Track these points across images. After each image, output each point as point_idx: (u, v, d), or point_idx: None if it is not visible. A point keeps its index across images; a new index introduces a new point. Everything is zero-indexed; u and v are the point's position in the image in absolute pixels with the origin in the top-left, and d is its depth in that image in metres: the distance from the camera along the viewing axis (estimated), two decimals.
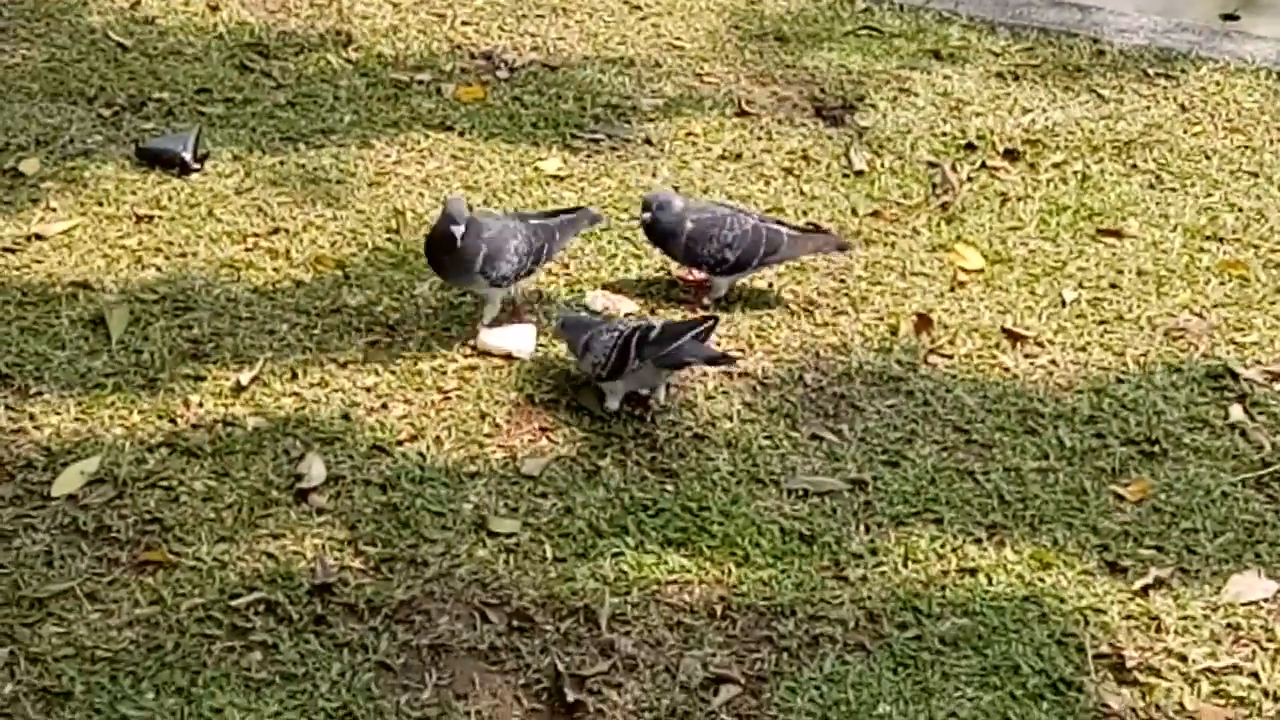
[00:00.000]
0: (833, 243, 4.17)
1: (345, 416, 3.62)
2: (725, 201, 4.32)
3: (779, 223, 4.11)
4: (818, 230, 4.27)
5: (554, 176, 4.57)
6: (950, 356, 3.93)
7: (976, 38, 5.49)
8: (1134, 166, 4.78)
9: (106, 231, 4.25)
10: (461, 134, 4.77)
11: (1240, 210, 4.58)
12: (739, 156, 4.73)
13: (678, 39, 5.39)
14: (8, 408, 3.60)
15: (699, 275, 4.05)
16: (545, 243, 3.87)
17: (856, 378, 3.83)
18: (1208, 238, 4.45)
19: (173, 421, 3.59)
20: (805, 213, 4.48)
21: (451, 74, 5.12)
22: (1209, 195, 4.65)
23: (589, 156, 4.66)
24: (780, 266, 4.15)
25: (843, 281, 4.18)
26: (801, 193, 4.58)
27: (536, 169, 4.60)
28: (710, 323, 3.67)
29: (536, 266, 3.90)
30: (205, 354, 3.80)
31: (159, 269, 4.11)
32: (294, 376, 3.74)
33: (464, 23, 5.43)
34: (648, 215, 3.97)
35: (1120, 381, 3.88)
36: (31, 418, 3.59)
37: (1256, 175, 4.75)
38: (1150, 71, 5.30)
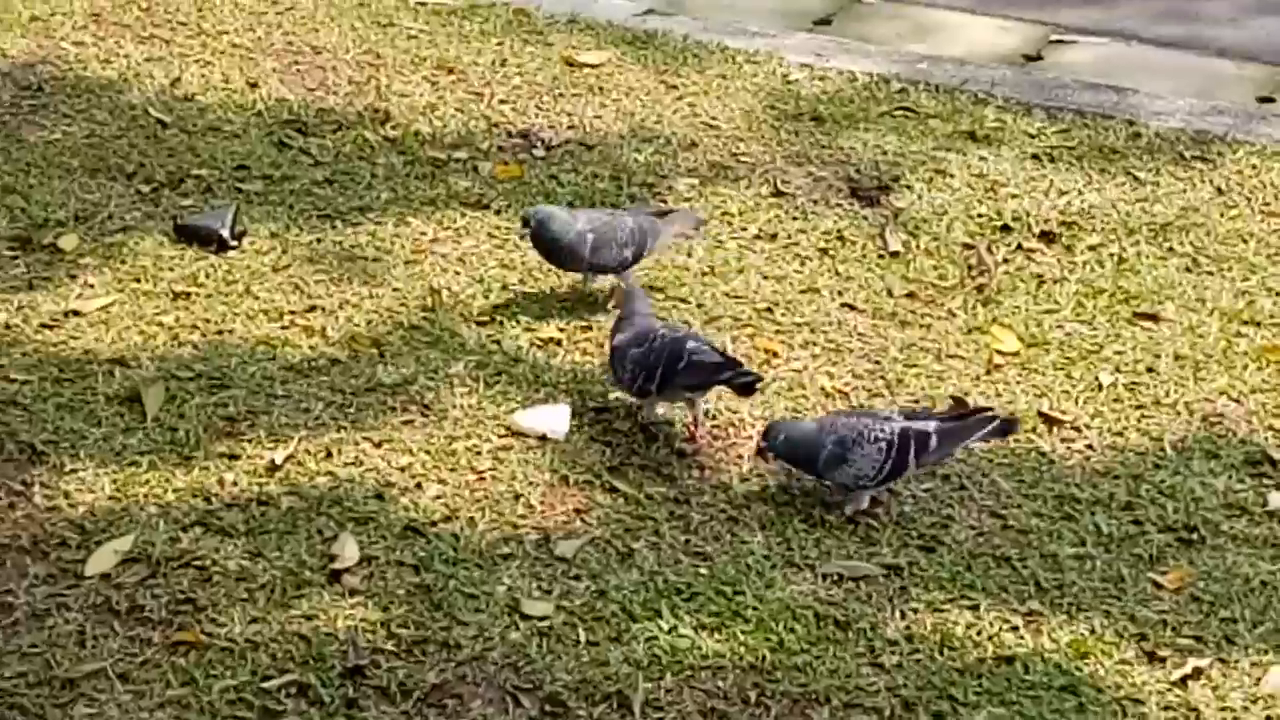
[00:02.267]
0: (691, 220, 4.47)
1: (379, 496, 3.62)
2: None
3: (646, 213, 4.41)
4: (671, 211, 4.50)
5: None
6: (987, 442, 3.91)
7: (1012, 119, 5.50)
8: (1170, 250, 4.77)
9: (144, 308, 4.27)
10: (498, 212, 4.79)
11: (1277, 294, 4.57)
12: (774, 237, 4.74)
13: (714, 118, 5.41)
14: (43, 485, 3.61)
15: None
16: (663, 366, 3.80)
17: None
18: (1245, 322, 4.44)
19: (207, 500, 3.60)
20: (840, 293, 4.48)
21: (488, 152, 5.14)
22: (1246, 279, 4.64)
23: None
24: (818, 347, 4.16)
25: (878, 364, 4.18)
26: (837, 273, 4.59)
27: None
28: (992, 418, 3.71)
29: (650, 386, 3.82)
30: (240, 432, 3.81)
31: (195, 346, 4.12)
32: (328, 455, 3.75)
33: (501, 101, 5.47)
34: (526, 231, 4.22)
35: (1157, 467, 3.85)
36: (66, 495, 3.60)
37: None
38: (1186, 154, 5.30)
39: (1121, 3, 6.95)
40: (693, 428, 3.86)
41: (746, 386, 3.81)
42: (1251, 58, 6.42)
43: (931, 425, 3.65)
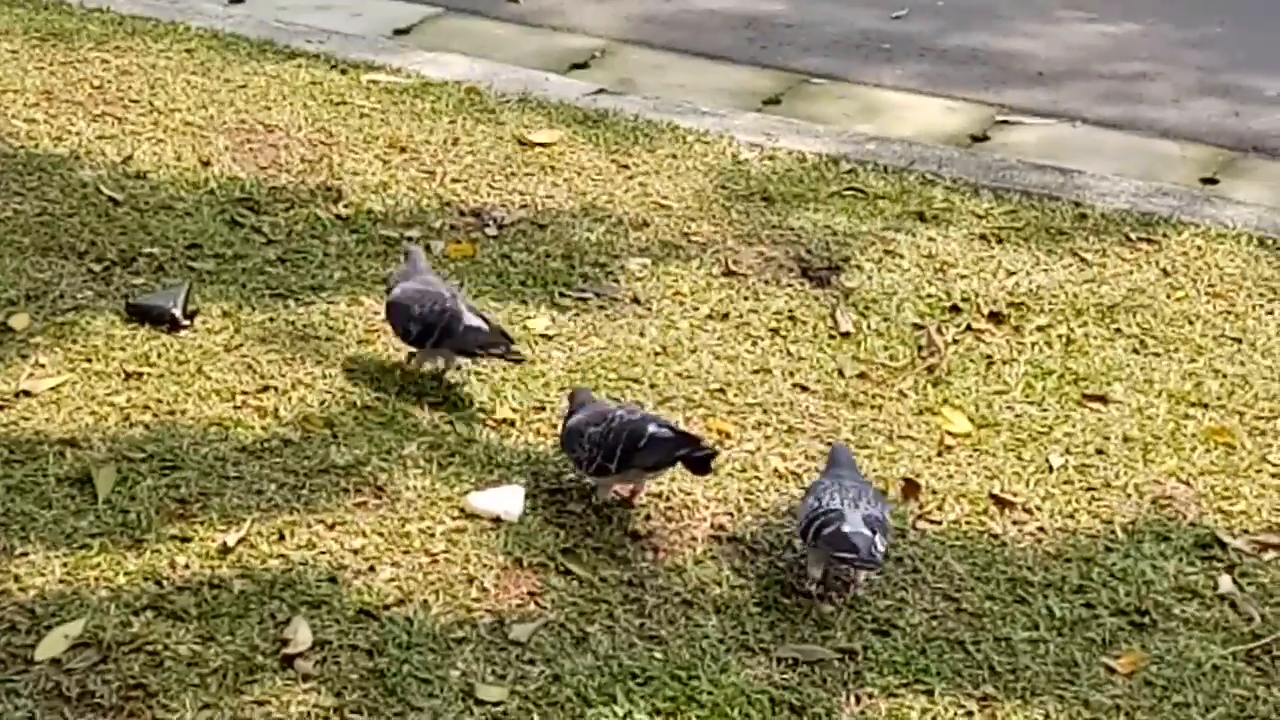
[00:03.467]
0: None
1: (332, 579, 3.60)
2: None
3: (474, 311, 4.29)
4: (503, 335, 4.30)
5: (543, 335, 4.60)
6: (939, 522, 3.94)
7: (960, 200, 5.56)
8: (1118, 331, 4.82)
9: (95, 388, 4.25)
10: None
11: (1225, 376, 4.61)
12: (726, 316, 4.77)
13: (665, 198, 5.45)
14: None
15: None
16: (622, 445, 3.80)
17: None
18: (1193, 404, 4.48)
19: (159, 583, 3.57)
20: (792, 373, 4.50)
21: (441, 230, 5.16)
22: (1193, 361, 4.69)
23: (576, 315, 4.69)
24: (770, 427, 4.17)
25: (830, 445, 4.18)
26: (789, 353, 4.61)
27: (525, 327, 4.62)
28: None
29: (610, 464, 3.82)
30: (192, 514, 3.79)
31: (147, 427, 4.10)
32: (281, 538, 3.73)
33: (453, 180, 5.49)
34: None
35: (1109, 550, 3.88)
36: (16, 579, 3.56)
37: (1240, 341, 4.79)
38: (1132, 235, 5.37)
39: (1065, 84, 7.05)
40: (631, 495, 3.88)
41: (704, 463, 3.82)
42: (1194, 139, 6.52)
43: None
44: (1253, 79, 7.09)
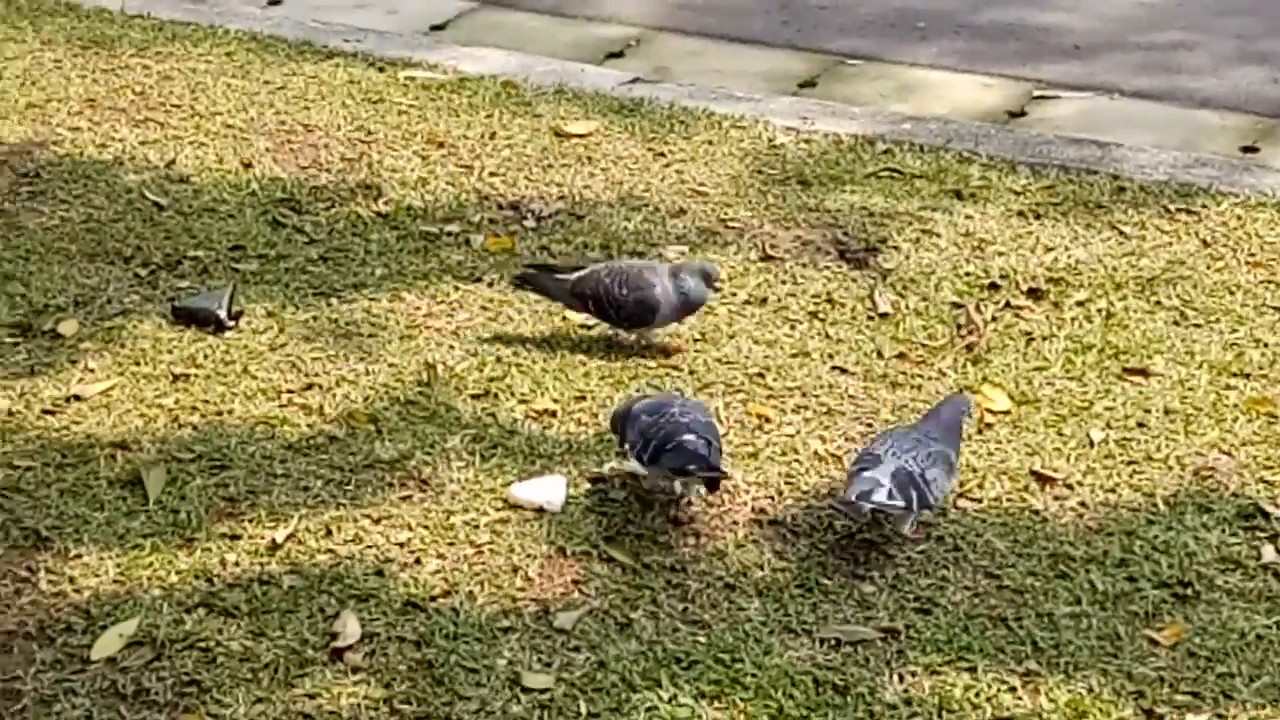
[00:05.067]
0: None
1: (379, 573, 3.66)
2: None
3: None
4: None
5: (582, 326, 4.63)
6: (979, 500, 3.95)
7: (997, 177, 5.56)
8: (1158, 303, 4.82)
9: (144, 391, 4.32)
10: (490, 285, 4.84)
11: (1266, 346, 4.61)
12: (764, 301, 4.79)
13: (701, 185, 5.47)
14: (48, 570, 3.65)
15: None
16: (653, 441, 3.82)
17: (886, 524, 3.84)
18: (1234, 375, 4.48)
19: (209, 581, 3.63)
20: (831, 356, 4.53)
21: (480, 225, 5.21)
22: (1234, 331, 4.68)
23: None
24: (810, 410, 4.21)
25: (870, 426, 4.21)
26: (827, 336, 4.64)
27: (565, 319, 4.66)
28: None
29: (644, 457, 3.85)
30: (241, 512, 3.85)
31: (195, 428, 4.16)
32: (328, 533, 3.78)
33: (491, 174, 5.53)
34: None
35: (1151, 523, 3.89)
36: (71, 580, 3.63)
37: None
38: (1171, 207, 5.36)
39: (1102, 57, 7.03)
40: (676, 506, 3.88)
41: (711, 483, 3.83)
42: (1234, 108, 6.50)
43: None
44: None
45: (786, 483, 3.99)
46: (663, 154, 5.69)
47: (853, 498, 3.64)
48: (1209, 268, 5.01)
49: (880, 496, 3.65)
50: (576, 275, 4.53)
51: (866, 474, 3.68)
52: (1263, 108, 6.48)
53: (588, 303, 4.48)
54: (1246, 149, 6.06)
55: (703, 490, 3.86)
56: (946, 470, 3.79)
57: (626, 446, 3.89)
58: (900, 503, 3.66)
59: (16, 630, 3.49)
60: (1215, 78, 6.79)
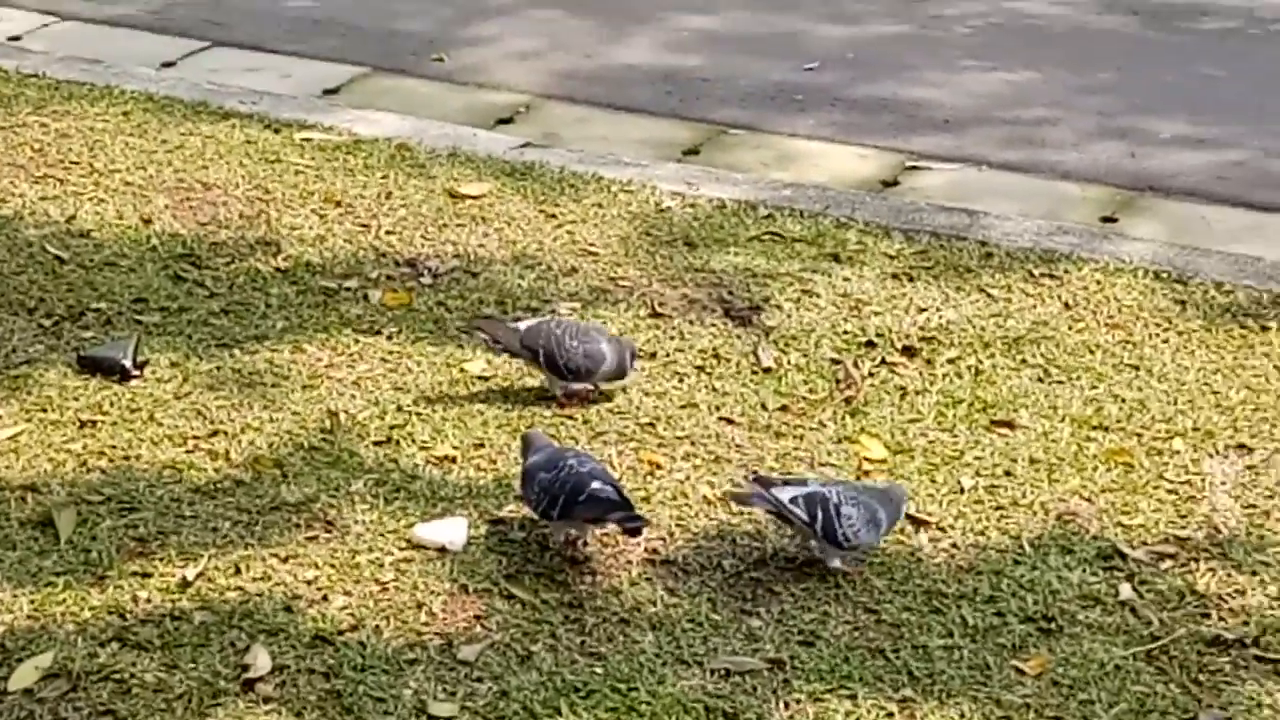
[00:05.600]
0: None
1: (288, 609, 3.80)
2: None
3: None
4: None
5: (479, 377, 4.82)
6: None
7: (873, 241, 5.82)
8: (1023, 361, 5.09)
9: (51, 437, 4.44)
10: (389, 338, 5.01)
11: (1123, 401, 4.88)
12: (654, 355, 5.00)
13: (592, 245, 5.69)
14: None
15: None
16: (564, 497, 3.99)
17: (771, 563, 4.06)
18: (1094, 427, 4.74)
19: (122, 616, 3.76)
20: (718, 407, 4.74)
21: (378, 281, 5.38)
22: (1094, 387, 4.95)
23: (510, 358, 4.90)
24: (698, 458, 4.42)
25: (754, 472, 4.42)
26: (714, 389, 4.85)
27: (462, 370, 4.85)
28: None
29: (552, 512, 4.01)
30: (152, 551, 3.98)
31: (104, 471, 4.29)
32: (237, 571, 3.92)
33: (388, 232, 5.71)
34: None
35: (1017, 563, 4.13)
36: None
37: (1137, 368, 5.06)
38: (1035, 272, 5.64)
39: (970, 130, 7.34)
40: (574, 547, 4.08)
41: (634, 529, 4.03)
42: (1094, 180, 6.81)
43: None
44: (1148, 122, 7.41)
45: (677, 525, 4.19)
46: (554, 215, 5.91)
47: (760, 491, 3.93)
48: (1070, 328, 5.29)
49: (784, 496, 3.92)
50: (525, 326, 4.73)
51: (787, 486, 3.98)
52: (1121, 180, 6.79)
53: (537, 353, 4.67)
54: (1106, 219, 6.36)
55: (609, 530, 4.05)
56: (868, 520, 4.00)
57: (529, 503, 4.06)
58: (802, 513, 3.92)
59: None
60: (1077, 152, 7.11)
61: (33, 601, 3.79)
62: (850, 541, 3.99)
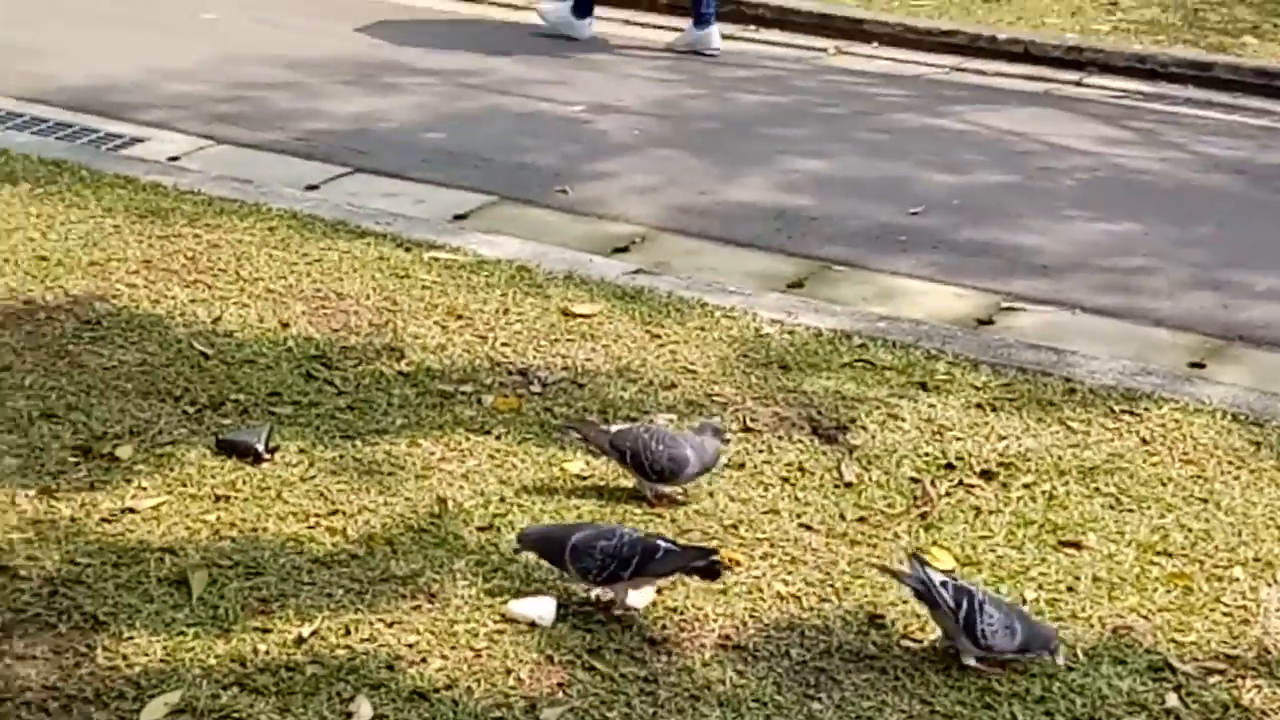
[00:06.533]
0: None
1: (390, 667, 4.18)
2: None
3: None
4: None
5: (577, 475, 5.21)
6: (921, 641, 4.48)
7: (960, 373, 6.16)
8: (1096, 489, 5.37)
9: (190, 508, 4.88)
10: (498, 437, 5.42)
11: (1190, 530, 5.14)
12: (742, 466, 5.36)
13: (691, 363, 6.08)
14: (104, 648, 4.18)
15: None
16: (637, 557, 4.41)
17: (836, 655, 4.38)
18: (1158, 553, 5.00)
19: (243, 665, 4.15)
20: (799, 515, 5.08)
21: (491, 386, 5.80)
22: (1162, 517, 5.21)
23: (608, 461, 5.28)
24: (775, 558, 4.75)
25: (828, 574, 4.75)
26: (796, 499, 5.19)
27: (563, 468, 5.23)
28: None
29: (622, 574, 4.42)
30: (272, 611, 4.38)
31: (234, 540, 4.71)
32: (347, 632, 4.31)
33: (503, 344, 6.15)
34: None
35: (1070, 669, 4.40)
36: (124, 657, 4.15)
37: (1206, 501, 5.31)
38: (1116, 408, 5.94)
39: (1068, 276, 7.66)
40: (608, 600, 4.48)
41: (715, 571, 4.45)
42: (1185, 328, 7.09)
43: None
44: (1242, 275, 7.70)
45: (750, 616, 4.53)
46: (659, 336, 6.31)
47: (917, 568, 4.35)
48: (1145, 461, 5.57)
49: (935, 578, 4.32)
50: (616, 429, 5.14)
51: (936, 574, 4.38)
52: (1212, 329, 7.07)
53: (625, 454, 5.06)
54: (1193, 364, 6.64)
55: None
56: (1005, 626, 4.31)
57: (575, 571, 4.44)
58: (949, 598, 4.28)
59: (76, 695, 4.02)
60: (1171, 300, 7.41)
61: (165, 648, 4.20)
62: (985, 640, 4.30)
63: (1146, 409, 5.94)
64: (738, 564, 4.78)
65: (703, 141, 9.50)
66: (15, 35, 11.03)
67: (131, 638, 4.24)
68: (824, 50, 12.08)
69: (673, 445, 5.03)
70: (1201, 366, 6.64)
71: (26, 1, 11.90)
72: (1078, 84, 11.43)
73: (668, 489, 5.10)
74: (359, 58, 11.00)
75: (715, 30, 11.64)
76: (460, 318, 6.36)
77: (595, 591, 4.49)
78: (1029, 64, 11.81)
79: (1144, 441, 5.71)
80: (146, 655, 4.17)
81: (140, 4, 12.05)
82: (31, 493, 4.90)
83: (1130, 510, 5.26)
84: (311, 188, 8.21)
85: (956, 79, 11.49)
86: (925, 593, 4.38)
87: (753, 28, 12.52)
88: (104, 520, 4.78)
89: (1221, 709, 4.29)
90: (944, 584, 4.35)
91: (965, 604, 4.31)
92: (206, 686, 4.06)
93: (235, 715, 3.97)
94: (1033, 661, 4.40)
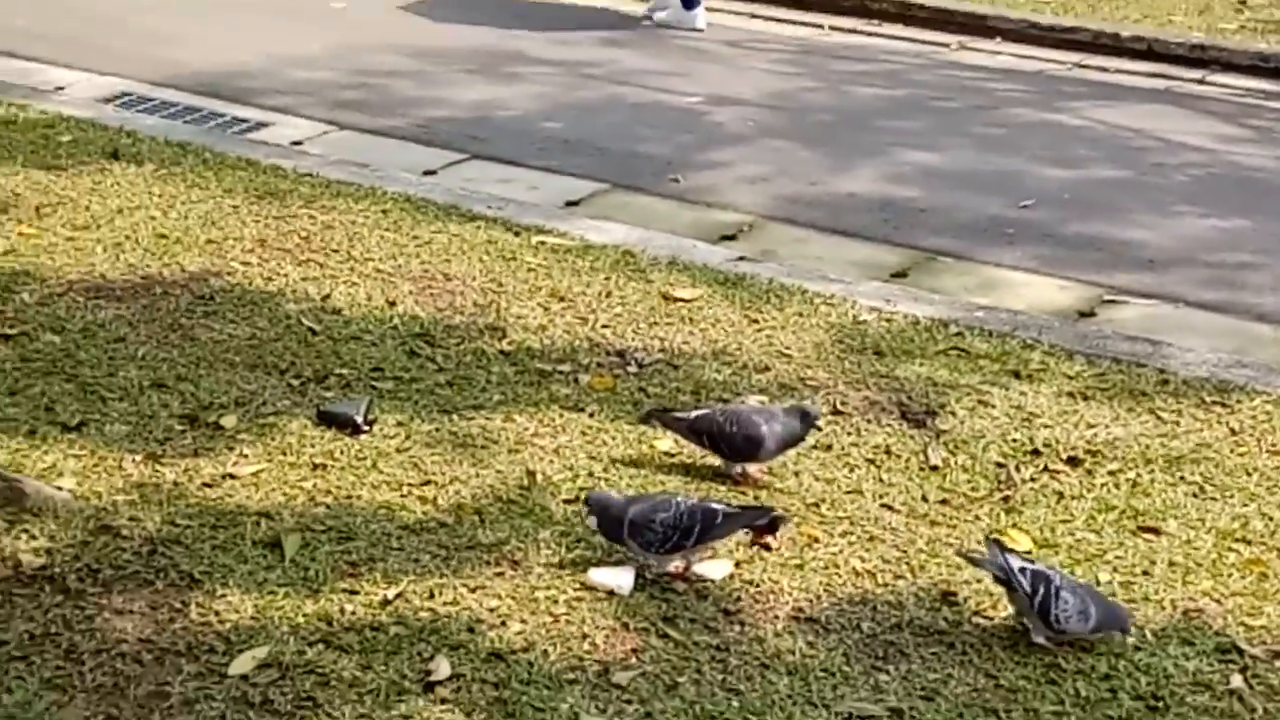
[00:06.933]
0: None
1: (470, 629, 4.34)
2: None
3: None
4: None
5: (665, 453, 5.34)
6: (992, 619, 4.56)
7: (1054, 362, 6.21)
8: (1181, 478, 5.41)
9: (288, 475, 5.07)
10: (591, 415, 5.56)
11: (1270, 519, 5.17)
12: (829, 447, 5.46)
13: (787, 348, 6.19)
14: (198, 604, 4.38)
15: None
16: (699, 524, 4.57)
17: (906, 629, 4.47)
18: (1237, 540, 5.04)
19: (329, 624, 4.33)
20: (881, 496, 5.17)
21: (589, 367, 5.95)
22: (1245, 506, 5.24)
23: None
24: (854, 536, 4.85)
25: (905, 553, 4.84)
26: (880, 480, 5.28)
27: (652, 446, 5.37)
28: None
29: (686, 543, 4.58)
30: (361, 574, 4.56)
31: (328, 507, 4.90)
32: (431, 596, 4.48)
33: (604, 326, 6.29)
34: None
35: (1138, 649, 4.46)
36: (216, 613, 4.36)
37: None
38: (1208, 399, 5.96)
39: (1172, 270, 7.66)
40: (683, 569, 4.61)
41: (774, 526, 4.69)
42: None
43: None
44: None
45: (825, 590, 4.63)
46: (756, 321, 6.42)
47: (997, 553, 4.45)
48: (1232, 451, 5.59)
49: (1014, 564, 4.42)
50: (695, 414, 5.27)
51: (1015, 558, 4.47)
52: None
53: (703, 437, 5.20)
54: None
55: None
56: (1080, 611, 4.40)
57: (637, 546, 4.57)
58: (1026, 584, 4.38)
59: (169, 648, 4.22)
60: (1275, 295, 7.38)
61: (256, 605, 4.39)
62: (1059, 625, 4.39)
63: (1238, 401, 5.96)
64: (817, 541, 4.88)
65: (816, 133, 9.60)
66: (146, 20, 11.40)
67: (224, 595, 4.44)
68: (946, 45, 12.11)
69: (748, 426, 5.15)
70: None
71: None
72: (1200, 82, 11.37)
73: (752, 468, 5.21)
74: (483, 47, 11.22)
75: (701, 12, 11.89)
76: (563, 300, 6.52)
77: (670, 565, 4.61)
78: (1152, 61, 11.76)
79: (1233, 432, 5.73)
80: (237, 612, 4.37)
81: None
82: (138, 458, 5.13)
83: (1213, 498, 5.29)
84: (429, 173, 8.42)
85: (1078, 75, 11.47)
86: (1004, 577, 4.46)
87: (876, 22, 12.58)
88: (205, 485, 4.99)
89: None
90: (1022, 570, 4.43)
91: (1042, 589, 4.39)
92: (293, 643, 4.25)
93: (319, 670, 4.15)
94: (1100, 640, 4.47)
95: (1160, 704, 4.25)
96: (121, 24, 11.36)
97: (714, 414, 5.26)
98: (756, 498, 5.10)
